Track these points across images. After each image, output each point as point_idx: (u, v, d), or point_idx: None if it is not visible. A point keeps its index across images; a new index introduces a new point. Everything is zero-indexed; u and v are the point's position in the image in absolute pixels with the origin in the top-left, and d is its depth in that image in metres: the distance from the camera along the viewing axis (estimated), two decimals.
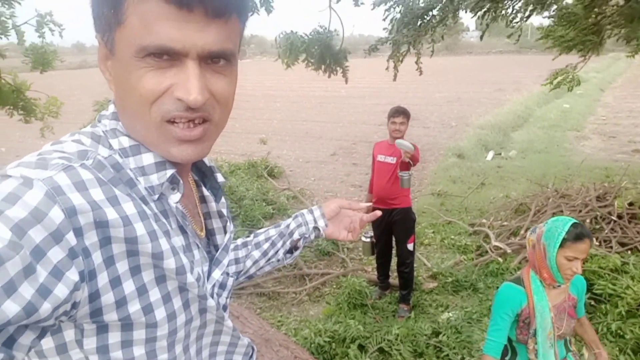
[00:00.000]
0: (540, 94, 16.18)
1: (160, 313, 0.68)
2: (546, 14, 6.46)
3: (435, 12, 5.60)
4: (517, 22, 5.76)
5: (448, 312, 3.82)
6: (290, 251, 1.16)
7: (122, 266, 0.63)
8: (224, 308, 0.87)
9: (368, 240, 4.13)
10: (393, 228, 4.04)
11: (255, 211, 5.67)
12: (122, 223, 0.61)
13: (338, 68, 5.59)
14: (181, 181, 0.72)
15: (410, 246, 3.98)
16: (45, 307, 0.53)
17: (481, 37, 6.33)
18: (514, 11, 5.68)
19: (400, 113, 3.84)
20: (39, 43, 4.38)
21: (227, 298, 0.89)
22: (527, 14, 5.77)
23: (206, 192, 0.87)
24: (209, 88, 0.66)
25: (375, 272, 4.41)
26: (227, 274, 0.89)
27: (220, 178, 0.89)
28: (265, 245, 1.13)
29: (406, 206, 3.98)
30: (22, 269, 0.50)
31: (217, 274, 0.82)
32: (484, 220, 5.59)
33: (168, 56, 0.62)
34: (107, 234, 0.60)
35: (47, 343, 0.63)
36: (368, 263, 4.88)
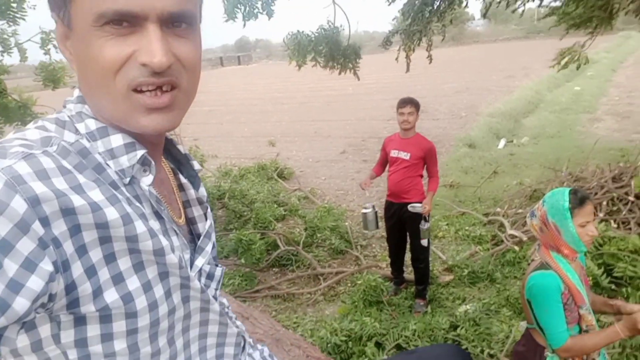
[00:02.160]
0: (550, 78, 15.96)
1: (140, 302, 0.65)
2: None
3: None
4: (522, 4, 5.67)
5: (465, 304, 3.76)
6: None
7: (95, 254, 0.60)
8: (214, 299, 0.84)
9: (369, 210, 4.14)
10: (406, 223, 3.95)
11: (267, 213, 5.66)
12: (91, 209, 0.58)
13: (349, 64, 5.53)
14: (153, 162, 0.69)
15: (424, 242, 3.90)
16: (20, 302, 0.51)
17: (484, 15, 6.17)
18: None
19: (408, 102, 3.75)
20: (46, 60, 4.41)
21: (216, 289, 0.86)
22: None
23: (184, 180, 0.85)
24: (173, 52, 0.63)
25: (390, 268, 4.36)
26: (215, 263, 0.87)
27: (196, 165, 0.87)
28: None
29: (419, 201, 3.88)
30: None
31: (200, 262, 0.80)
32: (498, 209, 5.51)
33: (127, 23, 0.60)
34: (75, 222, 0.57)
35: (22, 341, 0.59)
36: (382, 259, 4.84)
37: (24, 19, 4.31)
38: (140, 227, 0.63)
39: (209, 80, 40.90)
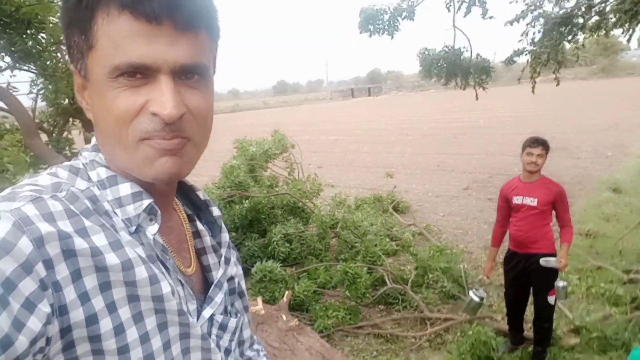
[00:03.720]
0: None
1: (136, 354, 0.63)
2: None
3: (576, 19, 5.16)
4: None
5: None
6: None
7: (98, 302, 0.60)
8: (227, 352, 0.80)
9: (477, 299, 3.68)
10: (531, 276, 3.53)
11: (377, 247, 5.54)
12: (91, 252, 0.59)
13: (473, 80, 5.58)
14: (159, 212, 0.69)
15: (551, 299, 3.46)
16: (22, 341, 0.52)
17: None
18: None
19: (539, 143, 3.38)
20: None
21: (230, 341, 0.81)
22: None
23: (201, 227, 0.84)
24: (185, 103, 0.64)
25: (506, 322, 3.92)
26: (230, 313, 0.83)
27: (216, 212, 0.86)
28: None
29: (549, 252, 3.46)
30: None
31: (208, 312, 0.77)
32: None
33: (141, 74, 0.62)
34: (76, 266, 0.58)
35: None
36: (499, 311, 4.40)
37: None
38: (140, 273, 0.63)
39: (338, 110, 42.31)
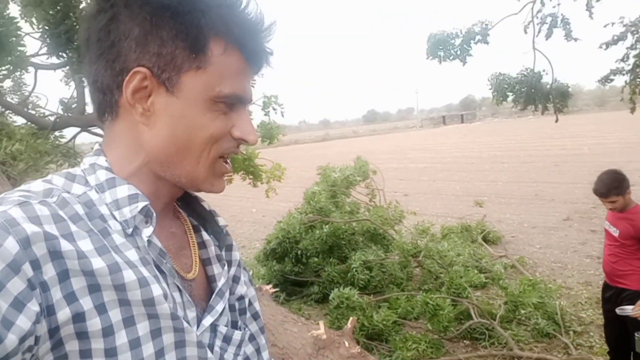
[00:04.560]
0: None
1: (124, 358, 0.62)
2: None
3: None
4: None
5: None
6: None
7: (86, 302, 0.59)
8: None
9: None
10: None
11: (463, 278, 5.24)
12: (77, 255, 0.59)
13: (552, 106, 5.23)
14: (154, 214, 0.69)
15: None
16: (11, 339, 0.52)
17: None
18: None
19: (598, 194, 3.24)
20: (265, 120, 5.11)
21: (236, 355, 0.78)
22: None
23: (206, 237, 0.84)
24: None
25: None
26: (237, 326, 0.81)
27: (221, 222, 0.86)
28: None
29: (638, 289, 3.10)
30: None
31: (207, 321, 0.75)
32: None
33: (232, 104, 0.72)
34: (64, 267, 0.58)
35: None
36: (600, 353, 3.92)
37: (252, 86, 5.13)
38: (128, 276, 0.62)
39: (428, 138, 41.57)
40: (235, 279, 0.87)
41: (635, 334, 3.01)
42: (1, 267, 0.53)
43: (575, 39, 4.91)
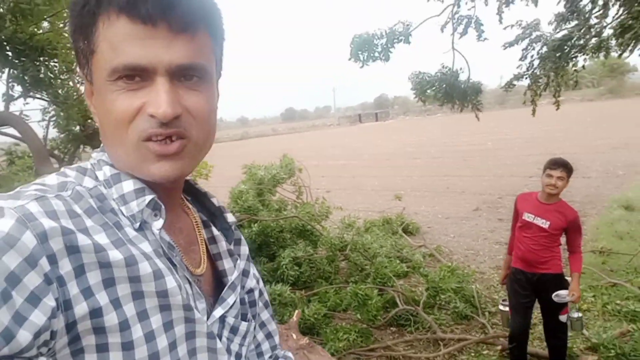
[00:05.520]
0: None
1: (141, 352, 0.63)
2: None
3: (577, 41, 5.19)
4: None
5: None
6: None
7: (102, 297, 0.60)
8: (237, 356, 0.79)
9: (507, 309, 3.68)
10: (540, 297, 3.46)
11: (387, 269, 5.48)
12: (94, 249, 0.59)
13: (468, 102, 5.62)
14: (163, 207, 0.70)
15: (563, 318, 3.38)
16: (24, 335, 0.52)
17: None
18: None
19: (560, 165, 3.27)
20: None
21: (241, 345, 0.81)
22: None
23: (216, 232, 0.84)
24: (183, 104, 0.65)
25: (509, 355, 3.70)
26: (244, 317, 0.83)
27: (230, 218, 0.87)
28: None
29: (557, 272, 3.39)
30: None
31: (218, 312, 0.76)
32: None
33: (139, 77, 0.64)
34: (80, 261, 0.58)
35: None
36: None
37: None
38: (144, 268, 0.63)
39: (345, 136, 42.56)
40: (245, 273, 0.89)
41: (570, 315, 3.33)
42: (18, 261, 0.53)
43: (485, 39, 5.31)
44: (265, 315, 0.95)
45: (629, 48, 5.21)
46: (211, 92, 0.71)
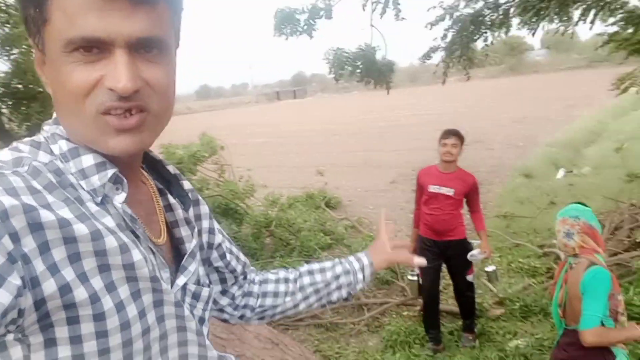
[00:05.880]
0: (615, 107, 15.22)
1: (112, 322, 0.64)
2: (611, 20, 6.16)
3: (485, 17, 5.57)
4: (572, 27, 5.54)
5: (517, 339, 3.55)
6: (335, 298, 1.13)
7: (68, 273, 0.59)
8: (201, 320, 0.82)
9: (416, 278, 3.89)
10: (449, 261, 3.75)
11: (312, 242, 5.66)
12: (59, 224, 0.58)
13: (383, 80, 5.81)
14: (125, 180, 0.70)
15: (470, 277, 3.69)
16: None
17: (533, 32, 5.97)
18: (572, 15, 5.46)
19: (452, 134, 3.55)
20: None
21: (204, 310, 0.84)
22: (590, 19, 5.51)
23: (172, 200, 0.84)
24: (142, 77, 0.64)
25: (423, 320, 3.93)
26: (202, 283, 0.85)
27: (187, 185, 0.86)
28: (309, 290, 1.08)
29: (462, 238, 3.69)
30: None
31: (181, 280, 0.78)
32: (554, 241, 5.21)
33: (97, 49, 0.62)
34: (44, 238, 0.57)
35: None
36: None
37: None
38: (110, 242, 0.63)
39: (264, 113, 42.14)
40: (211, 231, 0.90)
41: (485, 269, 3.68)
42: None
43: (403, 19, 5.48)
44: (239, 254, 1.03)
45: (532, 26, 5.69)
46: (170, 64, 0.70)
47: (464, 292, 3.75)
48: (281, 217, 6.53)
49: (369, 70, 5.58)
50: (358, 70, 5.65)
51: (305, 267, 1.12)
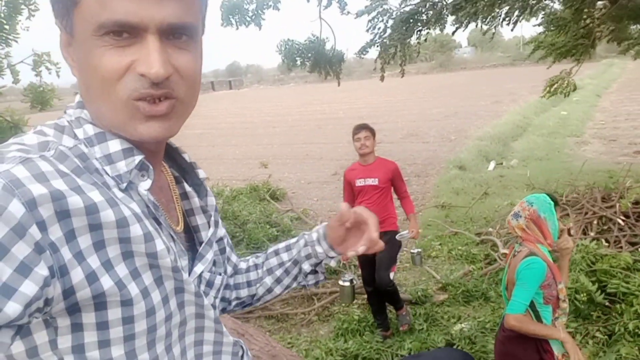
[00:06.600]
0: (537, 103, 16.29)
1: (139, 308, 0.64)
2: (534, 21, 6.61)
3: (420, 16, 5.81)
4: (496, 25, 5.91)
5: (461, 323, 3.74)
6: (313, 272, 1.07)
7: (93, 261, 0.59)
8: (213, 307, 0.83)
9: (347, 284, 3.53)
10: (377, 253, 3.74)
11: (259, 234, 5.64)
12: (86, 211, 0.58)
13: (333, 70, 5.96)
14: (151, 167, 0.70)
15: (391, 275, 3.69)
16: (12, 307, 0.51)
17: (461, 23, 6.25)
18: (499, 15, 5.82)
19: (362, 128, 3.72)
20: (36, 82, 4.43)
21: (215, 298, 0.86)
22: (513, 19, 5.88)
23: (188, 188, 0.85)
24: (172, 63, 0.64)
25: (371, 311, 3.97)
26: (215, 272, 0.86)
27: (202, 174, 0.87)
28: (279, 272, 1.05)
29: (393, 229, 3.74)
30: None
31: (199, 268, 0.79)
32: (490, 229, 5.55)
33: (128, 34, 0.61)
34: (70, 226, 0.57)
35: (17, 347, 0.58)
36: None
37: (16, 41, 4.35)
38: (135, 230, 0.63)
39: (200, 104, 40.94)
40: (217, 224, 0.90)
41: (411, 251, 3.80)
42: (5, 232, 0.51)
43: (348, 12, 5.60)
44: (231, 254, 1.03)
45: (463, 25, 5.98)
46: (200, 51, 0.70)
47: (386, 289, 3.65)
48: (226, 210, 6.45)
49: (319, 61, 5.65)
50: (307, 61, 5.71)
51: (272, 248, 1.10)
